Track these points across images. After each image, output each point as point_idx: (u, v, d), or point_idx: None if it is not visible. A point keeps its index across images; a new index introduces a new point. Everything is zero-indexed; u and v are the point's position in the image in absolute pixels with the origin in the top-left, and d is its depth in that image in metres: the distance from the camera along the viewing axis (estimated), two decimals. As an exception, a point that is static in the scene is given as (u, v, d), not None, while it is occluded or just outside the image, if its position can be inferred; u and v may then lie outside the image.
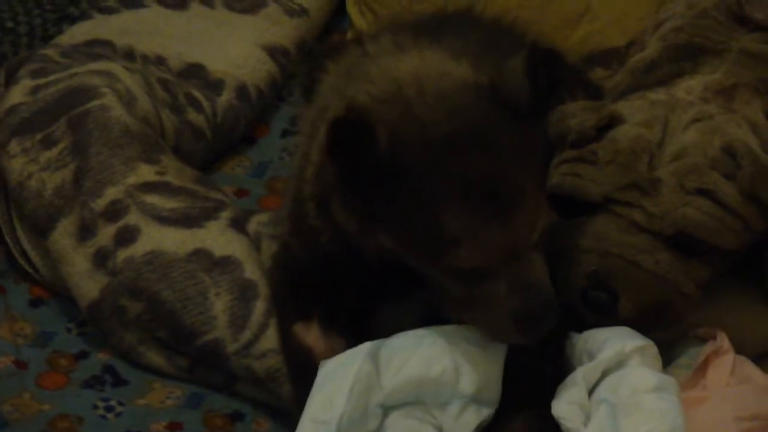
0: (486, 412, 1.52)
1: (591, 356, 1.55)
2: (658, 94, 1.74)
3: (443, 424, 1.51)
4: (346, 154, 1.42)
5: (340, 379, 1.49)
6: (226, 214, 1.85)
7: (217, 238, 1.82)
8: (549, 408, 1.52)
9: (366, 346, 1.52)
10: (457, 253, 1.43)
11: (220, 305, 1.75)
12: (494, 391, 1.53)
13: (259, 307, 1.75)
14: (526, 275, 1.46)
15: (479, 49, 1.61)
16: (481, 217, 1.43)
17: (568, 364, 1.60)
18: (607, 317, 1.60)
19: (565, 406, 1.51)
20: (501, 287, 1.46)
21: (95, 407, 1.71)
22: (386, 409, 1.51)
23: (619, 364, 1.52)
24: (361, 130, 1.41)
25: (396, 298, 1.61)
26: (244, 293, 1.76)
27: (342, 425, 1.47)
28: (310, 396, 1.51)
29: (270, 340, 1.72)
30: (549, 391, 1.54)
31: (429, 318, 1.57)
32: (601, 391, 1.51)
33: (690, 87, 1.74)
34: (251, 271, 1.78)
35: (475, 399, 1.51)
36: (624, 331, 1.57)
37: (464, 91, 1.47)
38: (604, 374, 1.53)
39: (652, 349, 1.55)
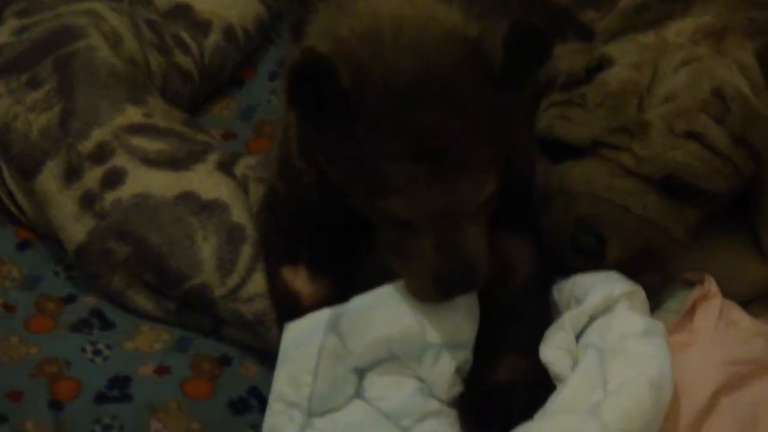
0: (462, 355, 1.52)
1: (578, 301, 1.55)
2: (648, 37, 1.73)
3: (421, 374, 1.52)
4: (306, 100, 1.43)
5: (305, 354, 1.50)
6: (213, 157, 1.84)
7: (205, 181, 1.80)
8: (536, 353, 1.53)
9: (325, 314, 1.52)
10: (393, 201, 1.44)
11: (207, 249, 1.74)
12: (466, 333, 1.53)
13: (247, 251, 1.74)
14: (454, 239, 1.46)
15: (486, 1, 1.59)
16: (421, 173, 1.42)
17: (555, 309, 1.60)
18: (595, 261, 1.60)
19: (552, 351, 1.51)
20: (426, 245, 1.46)
21: (83, 351, 1.71)
22: (361, 372, 1.52)
23: (606, 309, 1.53)
24: (320, 73, 1.40)
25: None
26: (232, 237, 1.75)
27: (313, 404, 1.49)
28: (276, 368, 1.52)
29: (257, 284, 1.71)
30: (536, 337, 1.55)
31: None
32: (589, 336, 1.51)
33: (680, 29, 1.73)
34: (239, 215, 1.77)
35: (447, 345, 1.52)
36: (611, 275, 1.57)
37: (444, 42, 1.45)
38: (592, 319, 1.53)
39: (640, 293, 1.55)
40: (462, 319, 1.53)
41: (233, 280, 1.72)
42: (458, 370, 1.53)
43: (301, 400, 1.50)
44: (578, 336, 1.53)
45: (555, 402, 1.45)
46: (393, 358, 1.52)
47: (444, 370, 1.52)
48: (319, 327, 1.51)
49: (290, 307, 1.60)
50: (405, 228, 1.46)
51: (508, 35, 1.42)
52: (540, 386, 1.51)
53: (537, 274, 1.62)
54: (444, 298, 1.50)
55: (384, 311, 1.51)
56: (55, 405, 1.62)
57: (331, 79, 1.41)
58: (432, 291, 1.48)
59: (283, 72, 1.45)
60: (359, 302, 1.53)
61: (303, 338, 1.52)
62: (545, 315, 1.60)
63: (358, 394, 1.52)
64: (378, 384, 1.52)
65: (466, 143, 1.43)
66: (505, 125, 1.49)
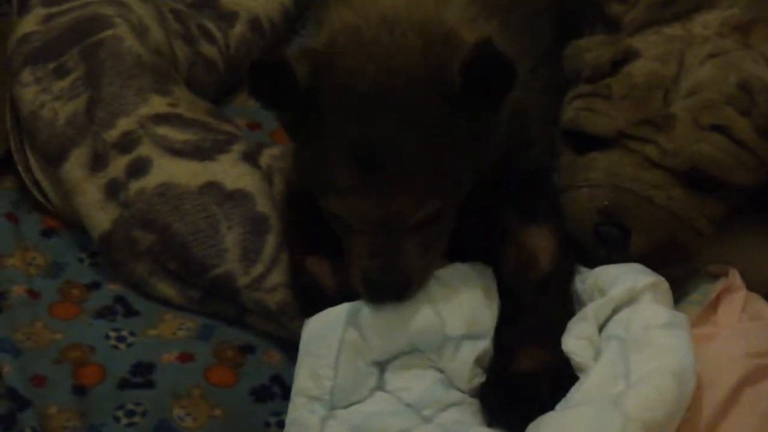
0: (482, 344, 1.53)
1: (602, 292, 1.55)
2: (674, 29, 1.73)
3: (442, 365, 1.53)
4: (264, 94, 1.49)
5: (325, 349, 1.51)
6: (238, 147, 1.84)
7: (229, 171, 1.81)
8: (558, 345, 1.53)
9: (345, 308, 1.52)
10: (334, 201, 1.48)
11: (231, 238, 1.74)
12: (486, 324, 1.54)
13: (271, 240, 1.74)
14: (387, 249, 1.49)
15: (478, 8, 1.59)
16: (360, 182, 1.46)
17: (578, 300, 1.60)
18: (619, 253, 1.60)
19: (574, 341, 1.51)
20: (361, 249, 1.50)
21: (107, 337, 1.72)
22: (382, 365, 1.53)
23: (630, 300, 1.53)
24: (276, 71, 1.45)
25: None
26: (256, 227, 1.75)
27: (335, 398, 1.50)
28: (298, 363, 1.53)
29: (281, 273, 1.72)
30: (558, 329, 1.55)
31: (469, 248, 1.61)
32: (612, 327, 1.51)
33: (707, 22, 1.73)
34: (263, 205, 1.78)
35: (467, 336, 1.53)
36: (636, 267, 1.57)
37: (414, 54, 1.46)
38: (615, 311, 1.53)
39: (664, 285, 1.55)
40: (481, 310, 1.54)
41: (257, 269, 1.72)
42: (478, 361, 1.53)
43: (322, 394, 1.50)
44: (601, 327, 1.53)
45: (577, 392, 1.46)
46: (413, 350, 1.53)
47: (464, 360, 1.52)
48: (338, 321, 1.52)
49: (313, 298, 1.61)
50: (347, 228, 1.51)
51: (466, 58, 1.42)
52: (561, 377, 1.51)
53: (560, 266, 1.61)
54: (372, 302, 1.53)
55: (402, 306, 1.52)
56: (79, 390, 1.63)
57: (287, 78, 1.45)
58: (362, 289, 1.52)
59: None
60: None
61: (323, 332, 1.52)
62: (567, 308, 1.59)
63: (380, 387, 1.53)
64: (399, 376, 1.52)
65: (410, 159, 1.45)
66: (465, 146, 1.48)
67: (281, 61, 1.46)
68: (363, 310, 1.52)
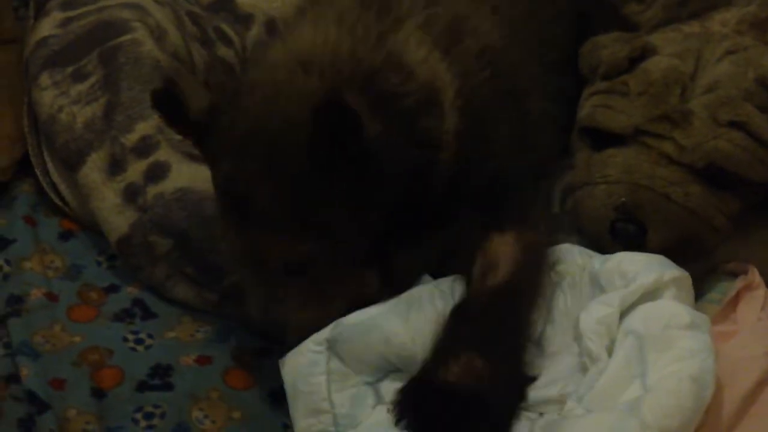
0: None
1: (624, 277, 1.52)
2: (692, 27, 1.73)
3: None
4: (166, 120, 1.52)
5: (314, 384, 1.50)
6: (255, 152, 1.84)
7: (246, 176, 1.81)
8: (498, 357, 1.48)
9: (321, 340, 1.51)
10: (226, 234, 1.52)
11: (248, 244, 1.74)
12: None
13: (288, 244, 1.74)
14: (265, 293, 1.52)
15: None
16: (231, 226, 1.50)
17: (593, 281, 1.56)
18: (636, 250, 1.58)
19: (593, 324, 1.49)
20: (246, 281, 1.54)
21: (125, 340, 1.72)
22: (374, 384, 1.53)
23: (654, 291, 1.50)
24: (174, 102, 1.49)
25: (410, 241, 1.60)
26: (273, 232, 1.75)
27: (341, 426, 1.49)
28: (290, 404, 1.53)
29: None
30: (502, 340, 1.50)
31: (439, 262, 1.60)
32: (630, 321, 1.48)
33: (724, 19, 1.73)
34: (280, 210, 1.78)
35: None
36: (661, 259, 1.55)
37: (298, 97, 1.45)
38: (634, 304, 1.51)
39: (687, 281, 1.53)
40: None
41: (274, 273, 1.72)
42: None
43: (327, 426, 1.50)
44: (621, 316, 1.50)
45: (591, 391, 1.43)
46: (396, 369, 1.53)
47: None
48: (318, 356, 1.51)
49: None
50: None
51: (313, 110, 1.39)
52: (494, 394, 1.45)
53: (522, 274, 1.56)
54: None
55: (377, 333, 1.51)
56: (98, 393, 1.63)
57: (180, 109, 1.49)
58: None
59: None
60: (353, 325, 1.52)
61: (306, 370, 1.51)
62: (520, 320, 1.54)
63: (380, 401, 1.52)
64: (394, 389, 1.51)
65: (271, 202, 1.45)
66: (336, 194, 1.45)
67: (173, 94, 1.48)
68: (339, 340, 1.51)
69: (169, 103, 1.49)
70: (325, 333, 1.51)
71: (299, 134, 1.41)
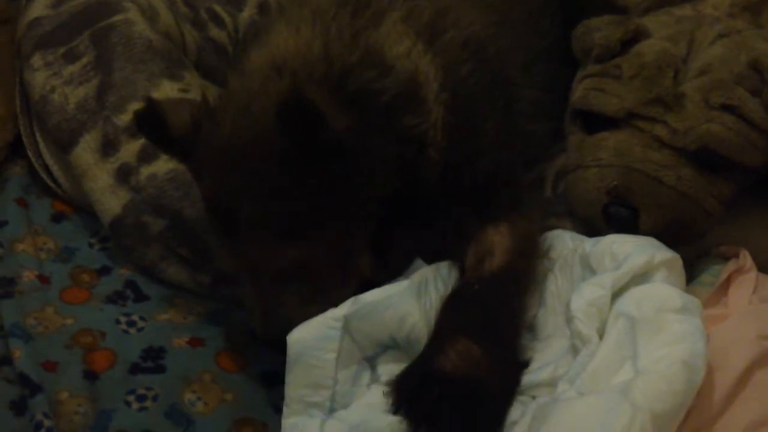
0: None
1: (615, 259, 1.53)
2: (685, 10, 1.72)
3: None
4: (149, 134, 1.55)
5: (323, 359, 1.50)
6: (248, 132, 1.84)
7: (239, 157, 1.81)
8: (493, 344, 1.49)
9: (339, 317, 1.51)
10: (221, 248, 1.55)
11: (241, 224, 1.74)
12: None
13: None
14: (261, 298, 1.52)
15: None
16: (223, 235, 1.52)
17: (583, 262, 1.57)
18: (628, 233, 1.59)
19: (584, 305, 1.49)
20: (244, 288, 1.54)
21: (117, 322, 1.72)
22: (371, 359, 1.53)
23: (645, 274, 1.51)
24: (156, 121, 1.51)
25: (405, 227, 1.61)
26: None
27: (336, 402, 1.50)
28: (288, 370, 1.52)
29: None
30: (496, 327, 1.51)
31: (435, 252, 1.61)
32: (622, 303, 1.49)
33: (717, 2, 1.73)
34: (273, 191, 1.77)
35: None
36: (652, 241, 1.56)
37: (270, 111, 1.44)
38: (626, 286, 1.51)
39: (678, 263, 1.54)
40: None
41: (266, 256, 1.72)
42: None
43: (323, 401, 1.50)
44: (612, 298, 1.50)
45: (583, 372, 1.43)
46: (397, 345, 1.53)
47: None
48: (333, 331, 1.51)
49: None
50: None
51: (277, 107, 1.40)
52: (490, 382, 1.46)
53: (516, 263, 1.57)
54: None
55: (393, 312, 1.51)
56: (90, 375, 1.63)
57: (162, 127, 1.51)
58: None
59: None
60: (369, 301, 1.52)
61: (317, 344, 1.51)
62: (515, 308, 1.55)
63: (375, 380, 1.53)
64: (390, 369, 1.52)
65: (257, 218, 1.47)
66: (319, 192, 1.46)
67: (155, 114, 1.50)
68: (354, 317, 1.51)
69: (151, 123, 1.51)
70: (343, 309, 1.51)
71: (272, 140, 1.43)
